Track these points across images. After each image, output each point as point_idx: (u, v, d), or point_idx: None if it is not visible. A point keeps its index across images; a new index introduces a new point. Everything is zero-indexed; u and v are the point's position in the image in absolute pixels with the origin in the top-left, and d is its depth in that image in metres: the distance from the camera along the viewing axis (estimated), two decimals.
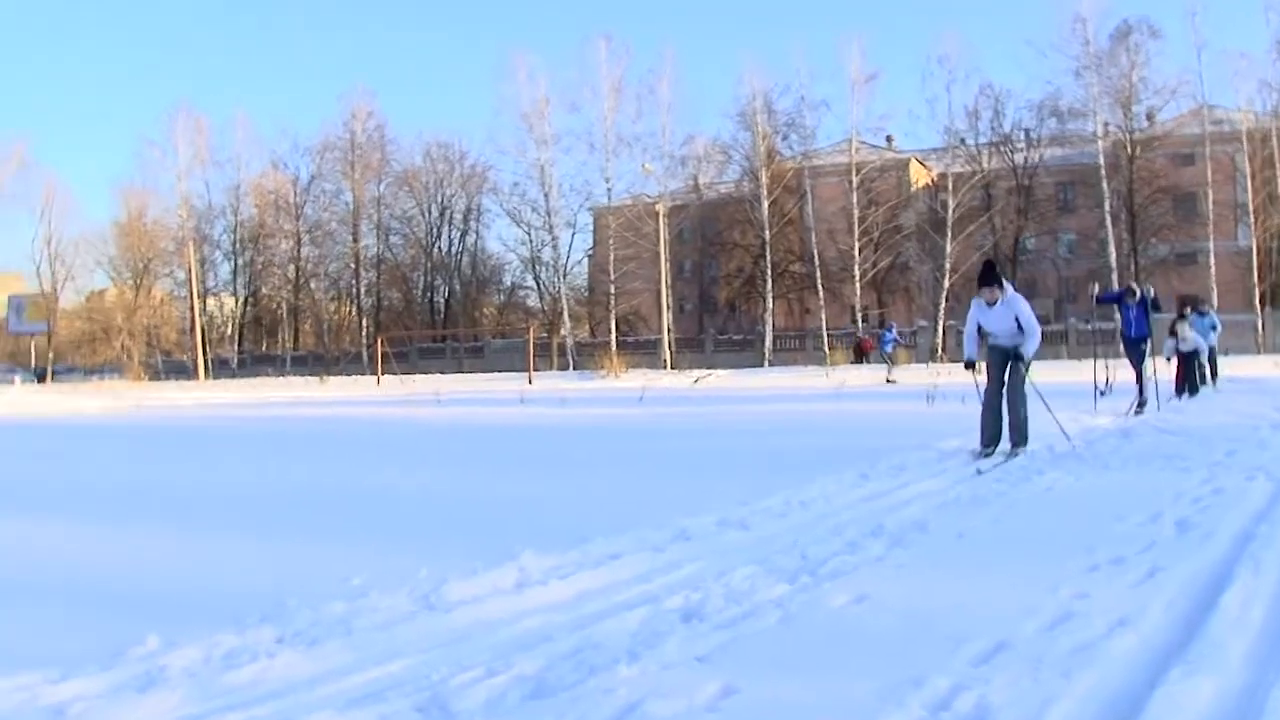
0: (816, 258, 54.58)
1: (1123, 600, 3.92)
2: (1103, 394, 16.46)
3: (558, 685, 3.17)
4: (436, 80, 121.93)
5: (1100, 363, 17.52)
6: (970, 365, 9.82)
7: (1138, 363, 15.37)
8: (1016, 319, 9.47)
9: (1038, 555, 4.80)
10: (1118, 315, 16.30)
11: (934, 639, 3.47)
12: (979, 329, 9.81)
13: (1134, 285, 16.64)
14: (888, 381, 29.18)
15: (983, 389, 9.73)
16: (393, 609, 4.14)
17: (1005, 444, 9.34)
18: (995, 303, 9.51)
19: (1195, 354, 18.24)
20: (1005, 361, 9.61)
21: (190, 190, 67.20)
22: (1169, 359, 18.11)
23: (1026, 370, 9.57)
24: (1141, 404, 14.74)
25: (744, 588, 4.33)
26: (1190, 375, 18.16)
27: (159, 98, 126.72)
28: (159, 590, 4.68)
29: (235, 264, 70.43)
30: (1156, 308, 15.90)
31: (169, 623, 3.85)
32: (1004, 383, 9.57)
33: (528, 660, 3.42)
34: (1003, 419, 9.44)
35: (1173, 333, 18.22)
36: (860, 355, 46.63)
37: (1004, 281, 9.59)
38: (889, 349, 33.77)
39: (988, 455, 9.07)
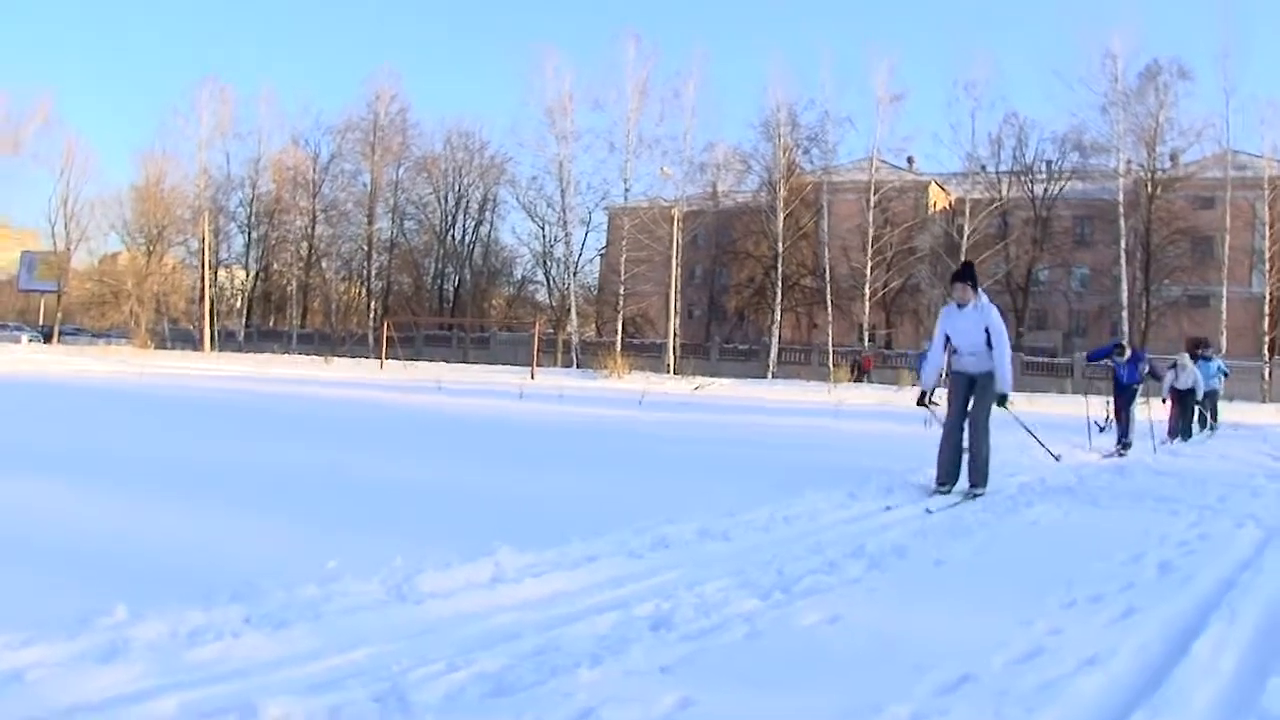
0: (828, 273, 54.58)
1: (1095, 639, 3.90)
2: (1101, 430, 16.41)
3: (517, 685, 3.16)
4: (463, 68, 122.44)
5: (1101, 399, 17.51)
6: (924, 399, 9.22)
7: (1126, 405, 15.15)
8: (986, 330, 8.65)
9: (1015, 588, 4.78)
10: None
11: (900, 666, 3.45)
12: (946, 341, 8.97)
13: (1124, 343, 16.47)
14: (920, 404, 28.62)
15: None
16: (364, 596, 4.12)
17: (963, 483, 8.57)
18: (966, 305, 8.74)
19: (1191, 393, 17.95)
20: (969, 391, 8.80)
21: (210, 160, 67.49)
22: (1164, 400, 18.04)
23: (1004, 404, 8.68)
24: (1125, 446, 14.49)
25: (716, 600, 4.32)
26: (1186, 416, 17.93)
27: (186, 67, 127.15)
28: (136, 561, 4.67)
29: (249, 237, 70.67)
30: (1154, 375, 16.28)
31: (140, 594, 3.83)
32: (966, 414, 8.77)
33: (491, 658, 3.41)
34: (962, 455, 8.65)
35: (1172, 366, 18.14)
36: (860, 373, 46.51)
37: (978, 287, 8.88)
38: None
39: (943, 493, 8.36)
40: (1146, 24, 75.33)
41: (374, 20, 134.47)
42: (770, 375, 52.28)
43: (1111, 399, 15.60)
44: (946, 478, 8.54)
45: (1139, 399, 15.39)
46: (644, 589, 4.51)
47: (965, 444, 8.65)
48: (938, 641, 3.78)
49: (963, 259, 50.92)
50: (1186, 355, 18.74)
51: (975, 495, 8.33)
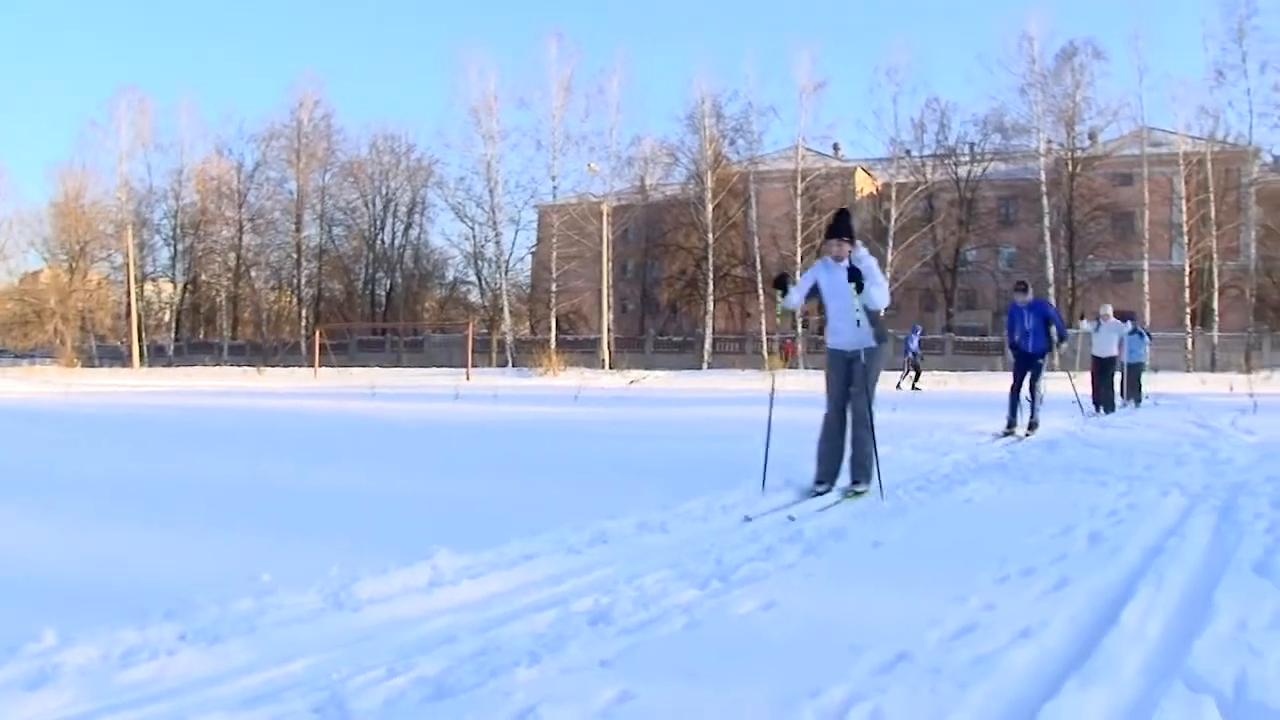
0: (759, 262, 54.90)
1: (1028, 612, 3.96)
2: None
3: (457, 687, 3.15)
4: (386, 71, 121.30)
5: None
6: (780, 284, 7.91)
7: (1034, 378, 13.36)
8: (868, 275, 7.51)
9: (950, 565, 4.84)
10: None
11: (836, 648, 3.48)
12: (813, 292, 7.92)
13: (1025, 280, 14.26)
14: (913, 389, 27.94)
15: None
16: (300, 607, 4.08)
17: (845, 480, 7.58)
18: (843, 259, 7.65)
19: (1113, 362, 17.75)
20: (848, 373, 7.72)
21: (131, 173, 66.41)
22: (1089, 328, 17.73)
23: (856, 279, 7.36)
24: (1031, 426, 13.01)
25: (655, 592, 4.33)
26: (1107, 385, 17.55)
27: (101, 80, 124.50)
28: (64, 583, 4.58)
29: (175, 250, 69.59)
30: (1057, 328, 13.50)
31: (70, 618, 3.76)
32: (846, 401, 7.70)
33: (430, 661, 3.40)
34: (844, 449, 7.64)
35: (1095, 318, 18.07)
36: (786, 359, 46.92)
37: (855, 239, 7.75)
38: (915, 352, 30.56)
39: (820, 493, 7.38)
40: (1062, 6, 77.10)
41: (294, 26, 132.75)
42: (705, 366, 52.54)
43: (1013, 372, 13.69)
44: (825, 475, 7.59)
45: (1045, 373, 13.63)
46: (583, 585, 4.52)
47: (848, 434, 7.65)
48: (874, 622, 3.82)
49: (890, 242, 51.88)
50: (1109, 307, 18.44)
51: (857, 494, 7.30)
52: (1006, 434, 12.49)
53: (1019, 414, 13.08)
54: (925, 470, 8.87)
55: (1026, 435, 12.58)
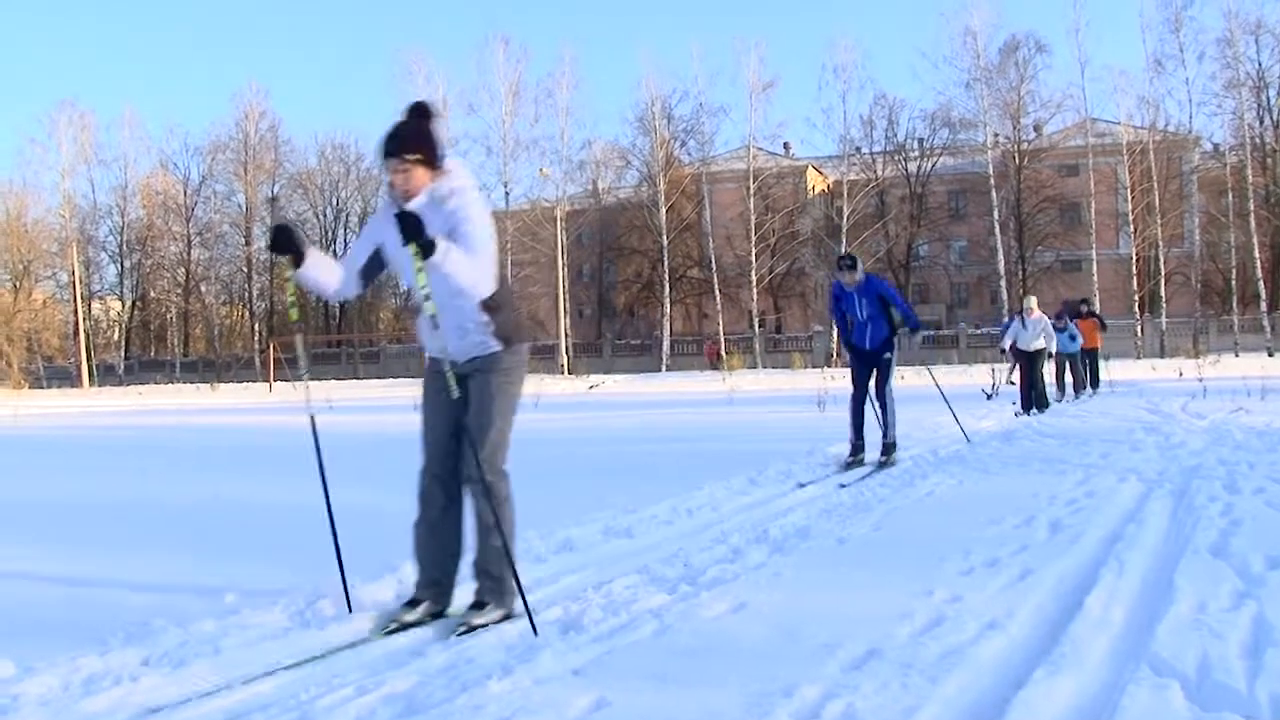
0: (714, 263, 55.10)
1: (994, 603, 3.99)
2: (989, 397, 16.85)
3: (428, 703, 3.12)
4: (333, 80, 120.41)
5: (988, 367, 17.87)
6: (281, 244, 4.28)
7: (880, 382, 9.63)
8: (454, 231, 3.97)
9: (915, 559, 4.86)
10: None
11: (808, 647, 3.49)
12: (375, 259, 4.45)
13: (852, 255, 9.89)
14: (1009, 384, 25.01)
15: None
16: (266, 626, 4.03)
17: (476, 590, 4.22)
18: (412, 194, 4.07)
19: (1040, 354, 15.69)
20: (459, 408, 4.16)
21: (74, 189, 65.30)
22: (1010, 379, 16.39)
23: (411, 240, 3.78)
24: (886, 448, 9.40)
25: (624, 598, 4.32)
26: (1036, 384, 15.59)
27: (38, 95, 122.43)
28: (21, 613, 4.48)
29: (122, 266, 68.70)
30: (903, 311, 9.68)
31: (29, 648, 3.68)
32: (453, 447, 4.23)
33: (400, 678, 3.36)
34: (459, 534, 4.29)
35: (1019, 313, 16.17)
36: (713, 361, 47.07)
37: (438, 145, 4.14)
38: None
39: (410, 624, 4.08)
40: (1003, 1, 78.28)
41: (237, 35, 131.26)
42: (664, 368, 52.59)
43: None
44: (428, 587, 4.24)
45: (895, 370, 9.81)
46: (551, 593, 4.50)
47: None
48: (844, 619, 3.82)
49: (844, 239, 52.13)
50: (1033, 299, 16.59)
51: (474, 627, 3.98)
52: (851, 463, 9.31)
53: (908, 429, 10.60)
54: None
55: (882, 461, 9.29)
